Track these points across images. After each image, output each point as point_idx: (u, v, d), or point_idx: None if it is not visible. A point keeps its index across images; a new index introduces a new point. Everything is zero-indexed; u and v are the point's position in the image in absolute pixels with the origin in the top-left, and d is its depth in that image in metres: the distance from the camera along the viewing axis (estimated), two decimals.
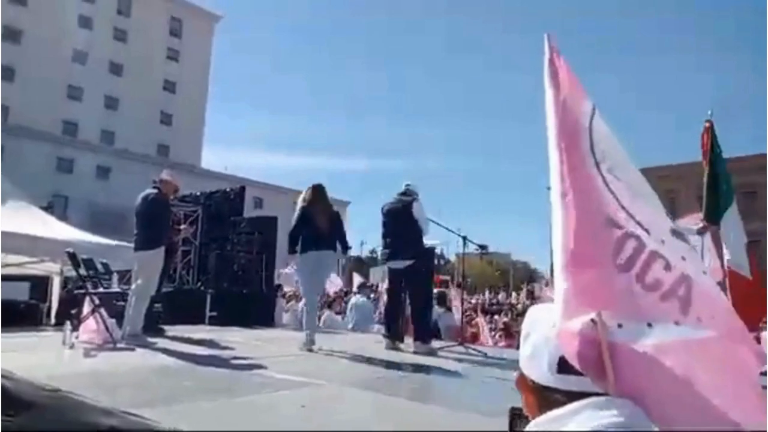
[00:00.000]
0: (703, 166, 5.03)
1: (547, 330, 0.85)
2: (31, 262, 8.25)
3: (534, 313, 0.93)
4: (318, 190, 5.56)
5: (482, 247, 7.53)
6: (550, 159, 0.94)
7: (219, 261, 9.00)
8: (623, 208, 0.90)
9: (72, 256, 5.76)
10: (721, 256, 4.60)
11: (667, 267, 0.86)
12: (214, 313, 8.08)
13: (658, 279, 0.85)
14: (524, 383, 0.89)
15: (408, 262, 5.75)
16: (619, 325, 0.79)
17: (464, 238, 6.77)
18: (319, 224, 5.36)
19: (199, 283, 9.31)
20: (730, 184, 5.04)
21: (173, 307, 7.54)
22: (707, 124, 4.96)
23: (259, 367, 4.30)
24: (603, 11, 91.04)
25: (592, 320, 0.80)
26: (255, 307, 8.05)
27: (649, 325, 0.80)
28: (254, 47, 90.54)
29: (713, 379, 0.77)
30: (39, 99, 37.97)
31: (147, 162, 39.19)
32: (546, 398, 0.84)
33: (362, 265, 47.17)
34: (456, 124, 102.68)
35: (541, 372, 0.84)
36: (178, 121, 46.95)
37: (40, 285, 8.64)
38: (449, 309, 9.56)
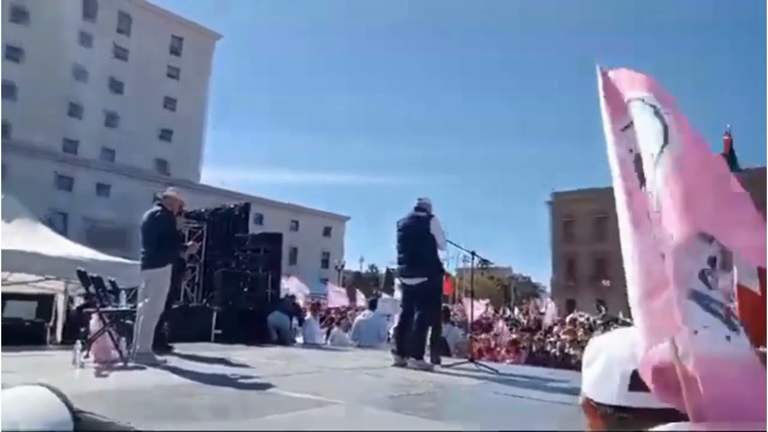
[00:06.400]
0: None
1: (619, 351, 0.86)
2: (36, 281, 8.21)
3: (600, 340, 0.94)
4: None
5: (485, 261, 7.49)
6: (615, 187, 0.95)
7: (224, 278, 8.96)
8: (679, 224, 0.90)
9: (82, 275, 5.75)
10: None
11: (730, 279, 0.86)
12: (219, 331, 8.03)
13: (725, 292, 0.83)
14: (590, 408, 0.89)
15: (422, 279, 5.75)
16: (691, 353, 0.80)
17: (473, 254, 6.77)
18: None
19: (204, 301, 9.26)
20: None
21: (179, 324, 7.48)
22: (726, 138, 4.65)
23: (269, 386, 4.26)
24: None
25: (671, 345, 0.80)
26: (261, 325, 8.01)
27: (728, 337, 0.77)
28: (255, 64, 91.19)
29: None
30: (40, 116, 38.13)
31: (146, 179, 39.37)
32: (615, 420, 0.84)
33: (361, 280, 47.14)
34: (454, 139, 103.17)
35: (611, 392, 0.84)
36: (177, 137, 47.17)
37: (45, 303, 8.58)
38: (454, 324, 9.55)
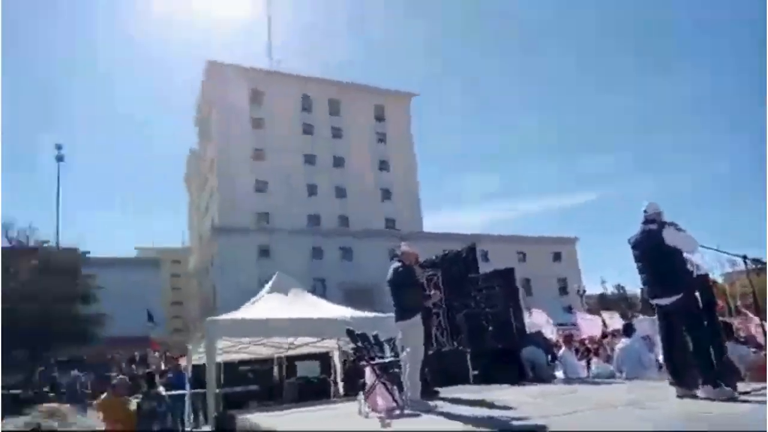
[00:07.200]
0: None
1: None
2: (315, 342, 9.55)
3: None
4: None
5: (757, 261, 6.50)
6: None
7: (468, 320, 9.20)
8: None
9: (350, 332, 6.52)
10: None
11: None
12: (475, 372, 8.20)
13: None
14: None
15: (673, 298, 5.11)
16: None
17: (744, 258, 5.86)
18: None
19: (455, 344, 9.60)
20: None
21: (436, 369, 7.87)
22: None
23: (543, 428, 4.16)
24: None
25: None
26: (515, 362, 7.96)
27: None
28: (449, 105, 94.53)
29: None
30: (287, 201, 45.54)
31: (379, 236, 43.52)
32: None
33: (607, 302, 43.48)
34: (682, 134, 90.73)
35: None
36: (396, 193, 51.33)
37: (325, 361, 9.90)
38: (739, 340, 8.16)
